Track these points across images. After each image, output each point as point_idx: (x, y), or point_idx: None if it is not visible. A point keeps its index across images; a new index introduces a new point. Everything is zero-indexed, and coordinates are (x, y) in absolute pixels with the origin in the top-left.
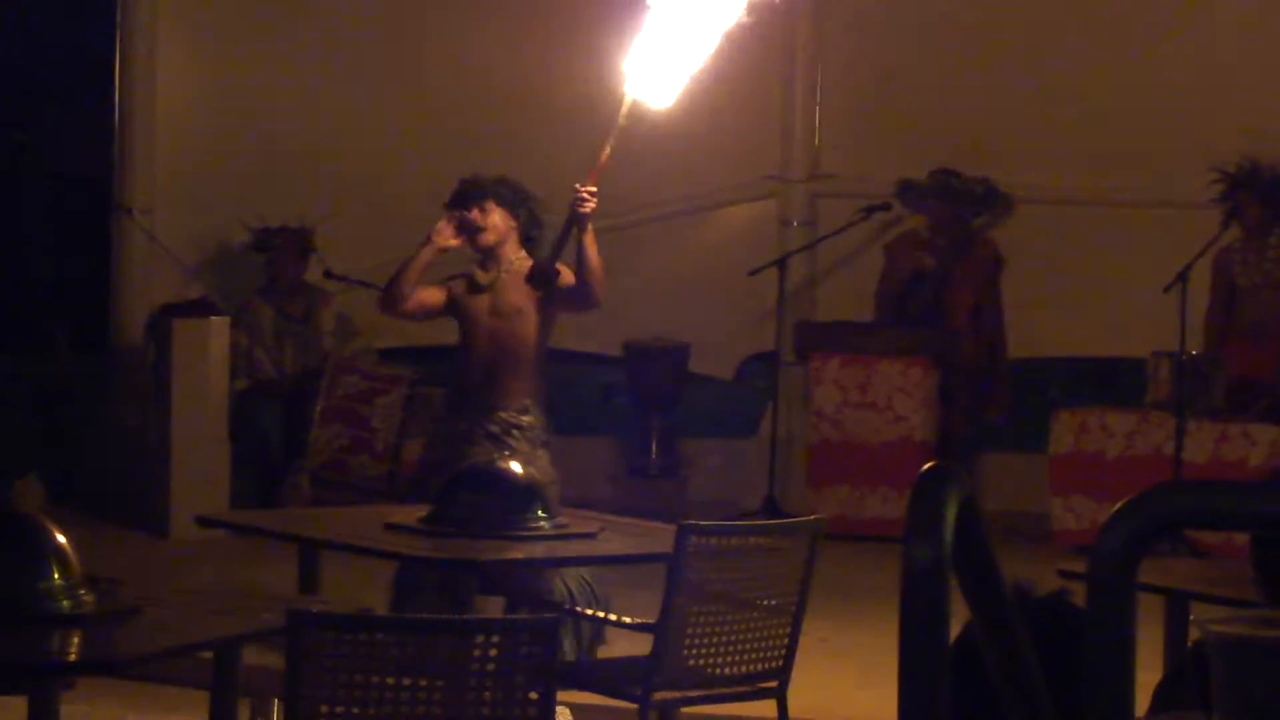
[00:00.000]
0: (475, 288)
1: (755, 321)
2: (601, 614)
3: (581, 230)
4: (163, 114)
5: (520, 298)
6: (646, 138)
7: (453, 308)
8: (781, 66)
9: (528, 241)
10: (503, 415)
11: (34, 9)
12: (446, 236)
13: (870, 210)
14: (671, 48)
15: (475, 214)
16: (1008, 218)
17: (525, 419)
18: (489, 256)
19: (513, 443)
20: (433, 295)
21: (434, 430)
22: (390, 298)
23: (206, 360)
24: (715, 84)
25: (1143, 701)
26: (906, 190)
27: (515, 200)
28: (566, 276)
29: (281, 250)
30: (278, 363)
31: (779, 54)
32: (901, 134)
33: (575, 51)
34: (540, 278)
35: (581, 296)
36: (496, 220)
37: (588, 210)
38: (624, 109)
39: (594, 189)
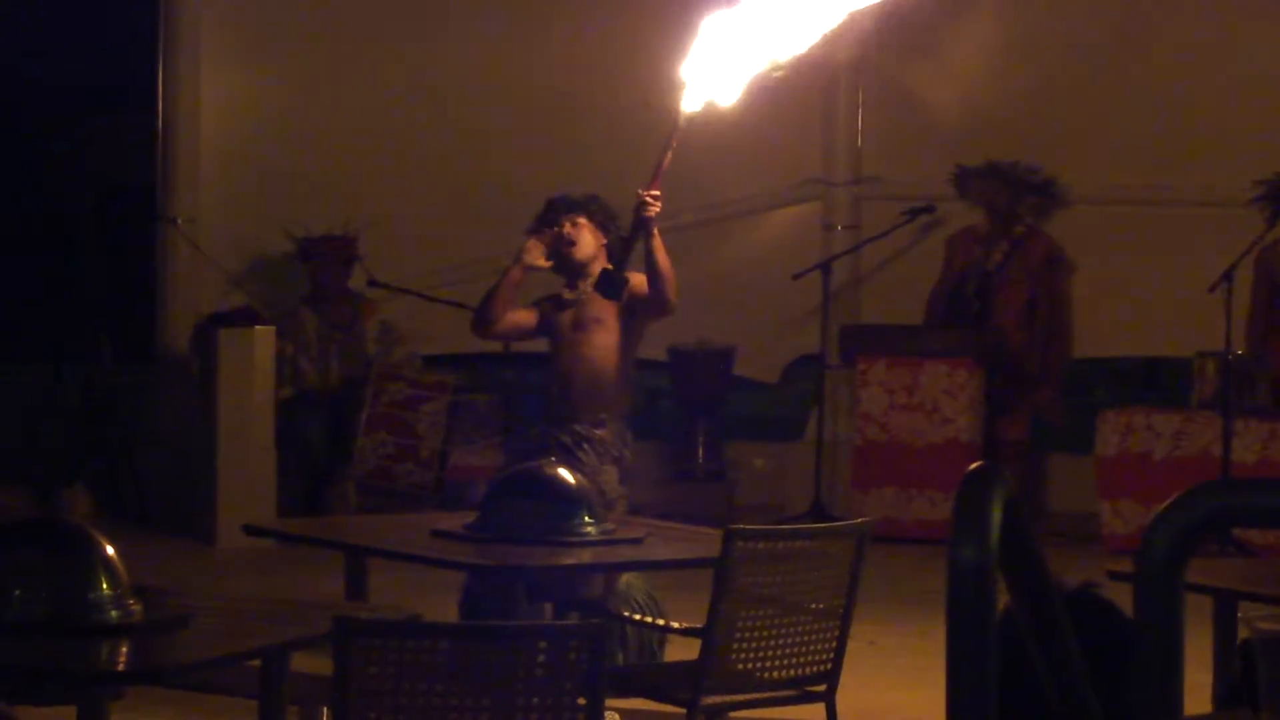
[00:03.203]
0: (563, 305)
1: (800, 324)
2: (650, 619)
3: (648, 235)
4: (206, 124)
5: (600, 309)
6: (688, 143)
7: (544, 326)
8: (823, 69)
9: (611, 260)
10: (577, 428)
11: (78, 20)
12: (535, 256)
13: (914, 213)
14: (731, 49)
15: (566, 227)
16: (1056, 215)
17: (599, 433)
18: (577, 274)
19: (581, 455)
20: (524, 316)
21: (515, 437)
22: (482, 319)
23: (252, 369)
24: (757, 88)
25: (1190, 702)
26: (961, 175)
27: (605, 219)
28: (638, 282)
29: (325, 259)
30: (322, 371)
31: (820, 57)
32: (945, 136)
33: (625, 59)
34: (607, 285)
35: (656, 301)
36: (587, 236)
37: (653, 214)
38: (685, 113)
39: (657, 193)
